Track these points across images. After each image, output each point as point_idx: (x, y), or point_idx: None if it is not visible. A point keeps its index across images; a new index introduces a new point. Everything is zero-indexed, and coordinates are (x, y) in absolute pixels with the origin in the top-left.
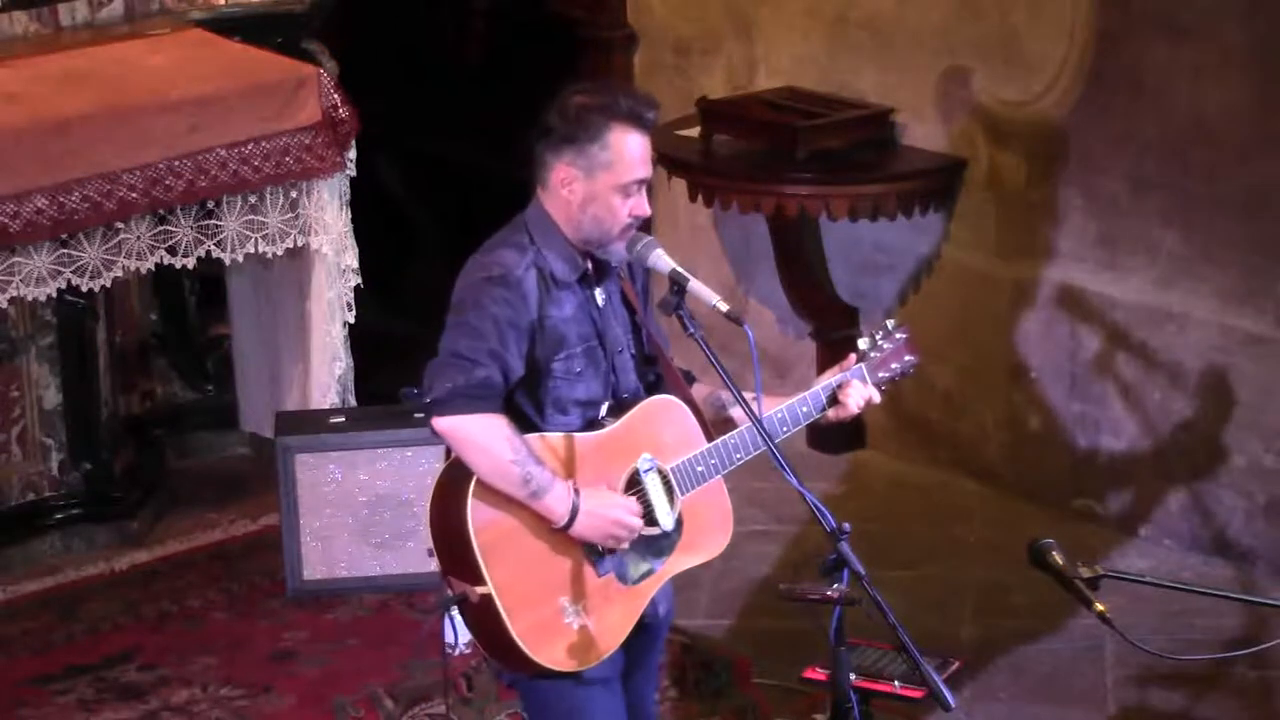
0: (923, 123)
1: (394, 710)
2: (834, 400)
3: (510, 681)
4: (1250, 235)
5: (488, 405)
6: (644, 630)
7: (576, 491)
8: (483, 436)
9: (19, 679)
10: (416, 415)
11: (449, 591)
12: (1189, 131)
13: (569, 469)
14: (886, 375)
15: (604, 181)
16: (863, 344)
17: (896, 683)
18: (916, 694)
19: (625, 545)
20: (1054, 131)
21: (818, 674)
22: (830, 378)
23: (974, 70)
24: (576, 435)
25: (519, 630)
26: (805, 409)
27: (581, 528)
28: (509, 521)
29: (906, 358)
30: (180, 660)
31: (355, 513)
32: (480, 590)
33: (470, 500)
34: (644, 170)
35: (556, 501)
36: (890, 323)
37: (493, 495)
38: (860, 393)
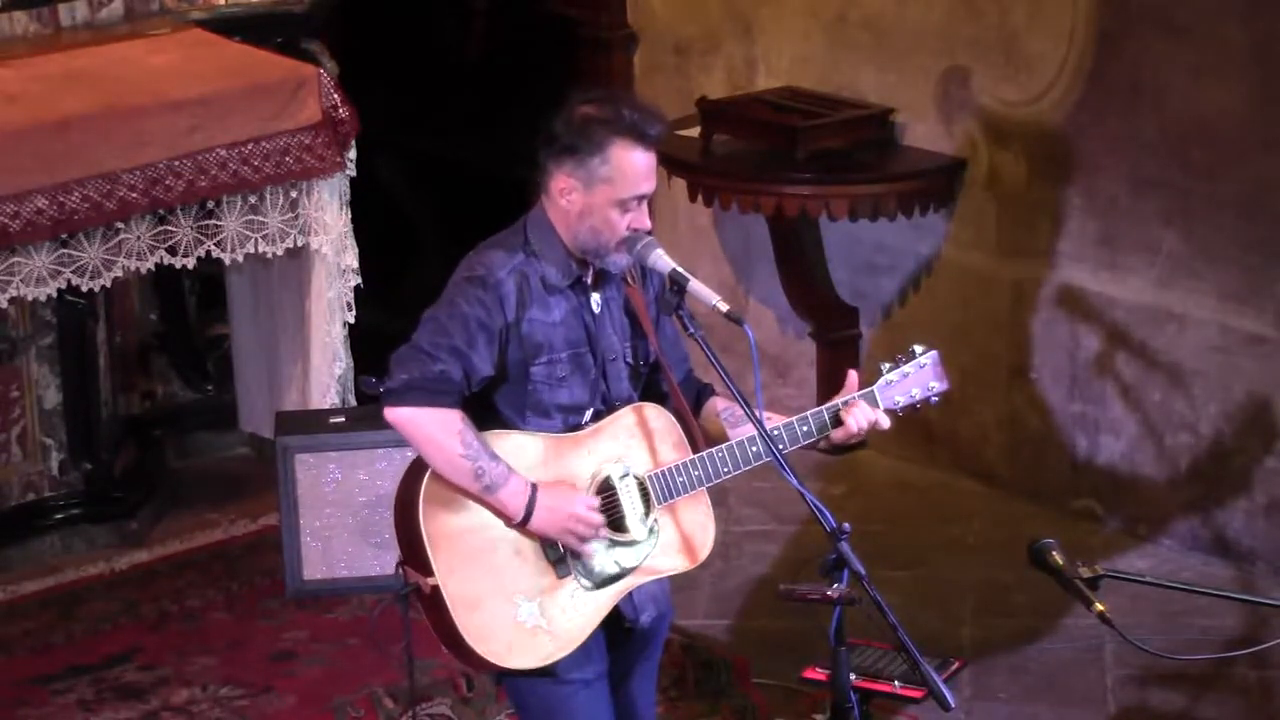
0: (923, 123)
1: (394, 710)
2: (837, 421)
3: (497, 679)
4: (1250, 235)
5: (443, 399)
6: (630, 635)
7: (534, 487)
8: (433, 428)
9: (19, 679)
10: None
11: (405, 581)
12: (1189, 131)
13: (534, 467)
14: (907, 401)
15: (602, 195)
16: (884, 367)
17: (896, 683)
18: (916, 694)
19: (589, 545)
20: (1054, 131)
21: (818, 674)
22: (836, 400)
23: (974, 70)
24: (546, 435)
25: (464, 624)
26: (805, 428)
27: (539, 523)
28: (465, 516)
29: (932, 384)
30: (180, 660)
31: (355, 513)
32: (430, 581)
33: (423, 491)
34: (644, 186)
35: (511, 497)
36: (918, 347)
37: (449, 489)
38: (865, 414)
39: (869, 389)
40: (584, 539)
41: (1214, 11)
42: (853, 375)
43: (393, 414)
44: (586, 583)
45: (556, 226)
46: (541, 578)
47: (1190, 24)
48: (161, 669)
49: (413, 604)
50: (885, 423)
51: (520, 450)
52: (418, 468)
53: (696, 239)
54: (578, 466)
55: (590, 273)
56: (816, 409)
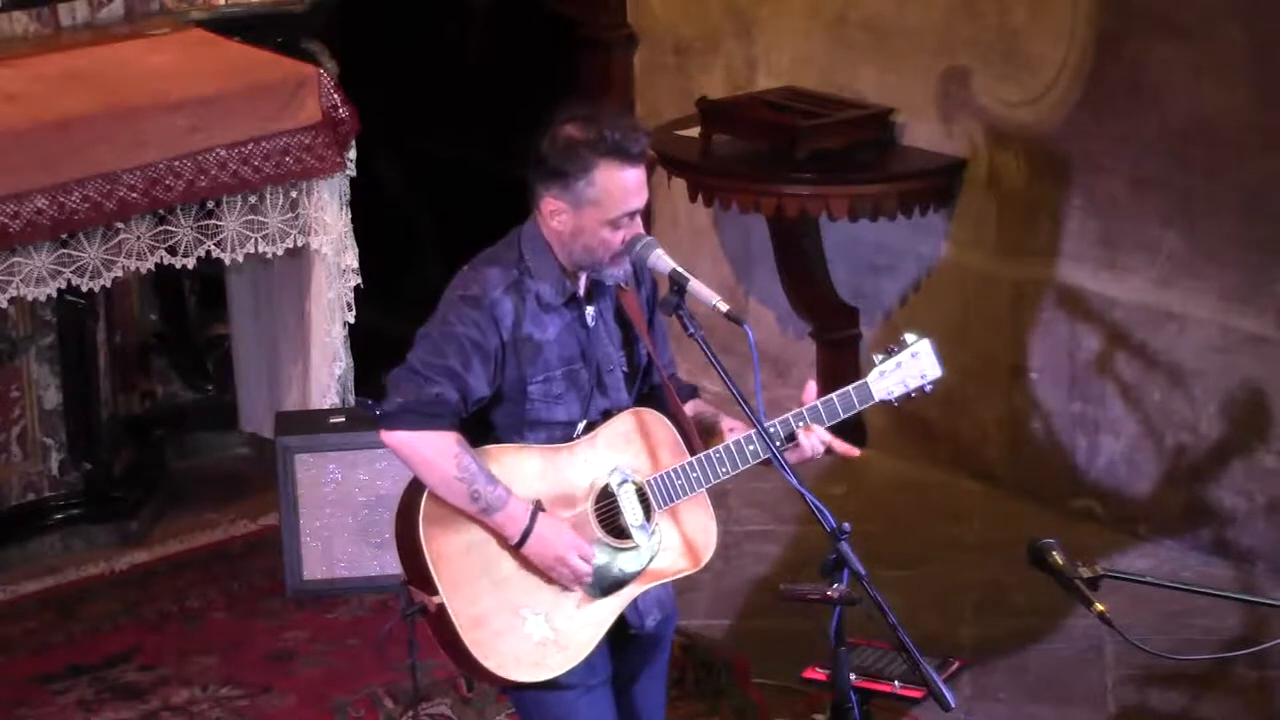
0: (923, 123)
1: (394, 710)
2: (791, 437)
3: (500, 687)
4: (1250, 235)
5: (439, 422)
6: (634, 641)
7: (535, 515)
8: (428, 452)
9: (19, 679)
10: None
11: (411, 600)
12: (1189, 131)
13: (532, 480)
14: (901, 391)
15: (591, 216)
16: (876, 358)
17: (896, 683)
18: (916, 694)
19: (574, 584)
20: (1054, 131)
21: (818, 674)
22: (802, 408)
23: (974, 70)
24: (544, 447)
25: (472, 640)
26: (802, 424)
27: (531, 550)
28: (465, 533)
29: (925, 372)
30: (180, 660)
31: (355, 513)
32: (435, 600)
33: (423, 510)
34: (634, 203)
35: (508, 521)
36: (909, 336)
37: (448, 507)
38: (820, 436)
39: (862, 381)
40: (565, 580)
41: (1214, 11)
42: (810, 386)
43: (389, 438)
44: (592, 591)
45: (551, 244)
46: (547, 589)
47: (1190, 24)
48: (161, 669)
49: (419, 617)
50: (819, 447)
51: (518, 464)
52: (417, 486)
53: (696, 239)
54: (576, 476)
55: (583, 286)
56: (810, 404)
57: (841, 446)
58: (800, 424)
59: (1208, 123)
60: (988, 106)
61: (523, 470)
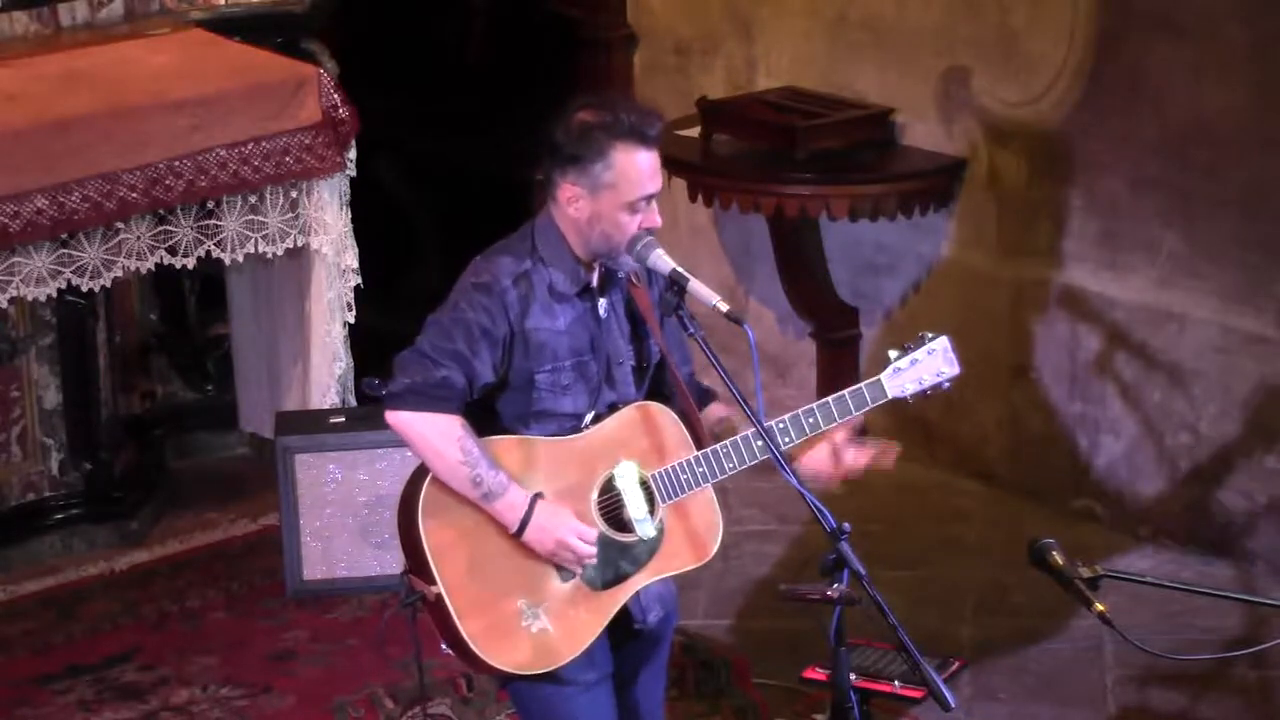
0: (923, 123)
1: (394, 710)
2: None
3: (501, 682)
4: (1250, 234)
5: (444, 405)
6: (635, 637)
7: (534, 502)
8: (432, 435)
9: (19, 679)
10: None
11: (411, 590)
12: (1189, 131)
13: (537, 470)
14: (916, 389)
15: (609, 200)
16: (892, 354)
17: (896, 683)
18: (916, 694)
19: (577, 567)
20: (1054, 131)
21: (818, 674)
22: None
23: (974, 70)
24: (552, 439)
25: (470, 631)
26: (811, 420)
27: (531, 538)
28: (465, 522)
29: (942, 370)
30: (180, 660)
31: (355, 513)
32: (434, 590)
33: (423, 499)
34: (651, 186)
35: (508, 508)
36: (928, 334)
37: (450, 496)
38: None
39: (875, 378)
40: (568, 563)
41: (1214, 11)
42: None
43: (393, 418)
44: (592, 584)
45: (566, 234)
46: (547, 581)
47: (1190, 24)
48: (161, 669)
49: (419, 607)
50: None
51: (523, 454)
52: (419, 475)
53: (696, 239)
54: (581, 468)
55: (596, 278)
56: (822, 400)
57: (882, 456)
58: (815, 433)
59: (1208, 123)
60: (988, 106)
61: (528, 461)
